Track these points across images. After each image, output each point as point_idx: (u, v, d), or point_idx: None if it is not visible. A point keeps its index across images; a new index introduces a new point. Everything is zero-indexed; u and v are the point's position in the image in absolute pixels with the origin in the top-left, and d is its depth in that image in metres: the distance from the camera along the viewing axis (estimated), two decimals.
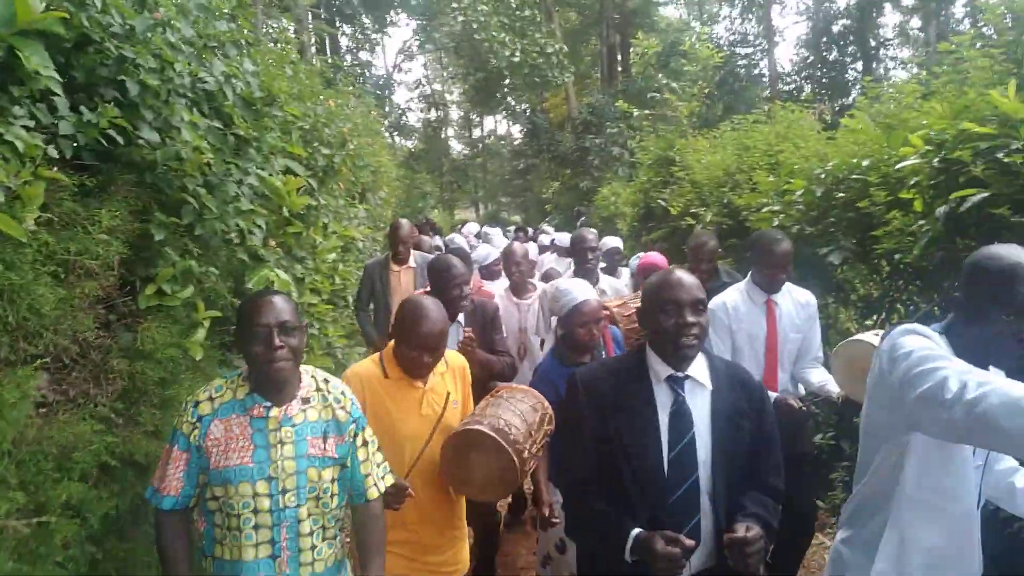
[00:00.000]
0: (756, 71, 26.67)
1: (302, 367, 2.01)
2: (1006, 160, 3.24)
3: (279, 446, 1.88)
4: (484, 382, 3.31)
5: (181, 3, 2.52)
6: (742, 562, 1.70)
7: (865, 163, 4.46)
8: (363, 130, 6.64)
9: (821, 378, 3.34)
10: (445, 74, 33.92)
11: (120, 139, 2.15)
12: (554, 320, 3.31)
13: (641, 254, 5.66)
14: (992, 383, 1.49)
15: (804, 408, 3.16)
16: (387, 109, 19.30)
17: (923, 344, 1.69)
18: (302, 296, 4.16)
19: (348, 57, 18.46)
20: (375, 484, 2.11)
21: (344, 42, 18.79)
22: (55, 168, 1.95)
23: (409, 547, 2.51)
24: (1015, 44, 4.21)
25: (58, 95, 1.86)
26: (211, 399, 1.91)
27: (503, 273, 4.74)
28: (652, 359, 1.94)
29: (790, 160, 6.11)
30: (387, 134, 12.27)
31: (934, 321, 1.86)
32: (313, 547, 1.94)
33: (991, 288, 1.67)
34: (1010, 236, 2.99)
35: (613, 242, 5.94)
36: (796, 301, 3.50)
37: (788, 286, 3.51)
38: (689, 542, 1.70)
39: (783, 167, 6.05)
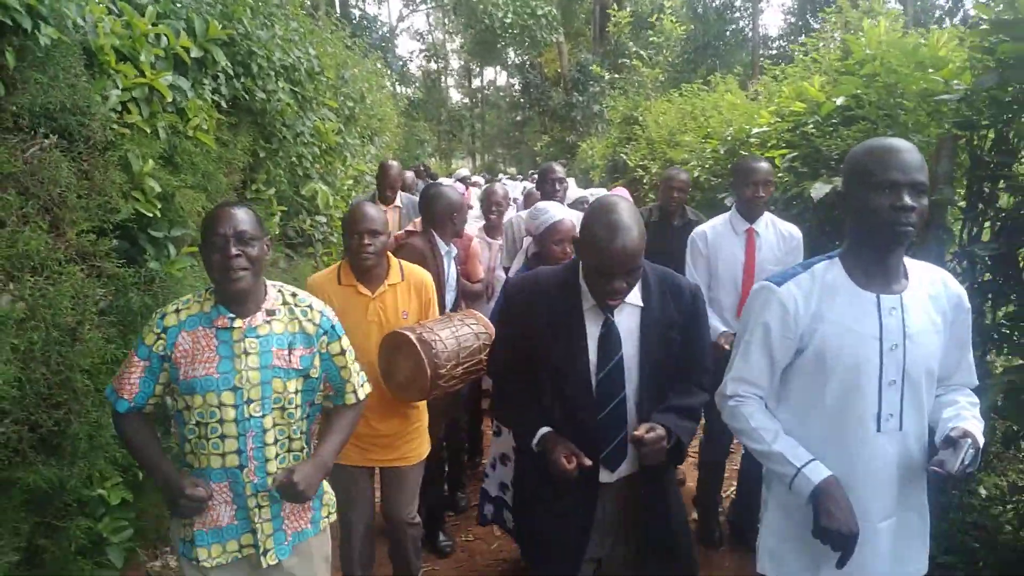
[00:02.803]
0: (743, 36, 27.87)
1: (270, 282, 2.05)
2: (805, 130, 4.93)
3: (243, 356, 1.91)
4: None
5: (274, 11, 4.17)
6: (645, 458, 1.83)
7: (755, 130, 6.11)
8: (373, 86, 8.25)
9: None
10: (447, 22, 34.77)
11: (247, 97, 3.83)
12: (526, 240, 3.52)
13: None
14: (743, 403, 1.85)
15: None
16: (389, 59, 20.60)
17: (749, 319, 1.86)
18: (328, 207, 5.83)
19: (356, 12, 19.66)
20: (354, 391, 2.18)
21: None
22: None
23: (371, 439, 2.71)
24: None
25: (230, 75, 3.54)
26: (178, 311, 1.95)
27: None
28: (584, 283, 1.93)
29: (711, 124, 7.75)
30: (390, 84, 13.70)
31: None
32: (278, 455, 1.98)
33: (850, 174, 1.73)
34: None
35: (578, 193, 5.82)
36: (779, 232, 3.54)
37: (773, 218, 3.59)
38: (586, 462, 1.82)
39: (702, 129, 7.73)
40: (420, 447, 2.87)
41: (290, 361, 1.97)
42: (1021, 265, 3.14)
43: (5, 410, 2.21)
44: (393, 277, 2.72)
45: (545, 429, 1.91)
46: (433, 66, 33.85)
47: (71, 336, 2.43)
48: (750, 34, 27.76)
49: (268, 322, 1.96)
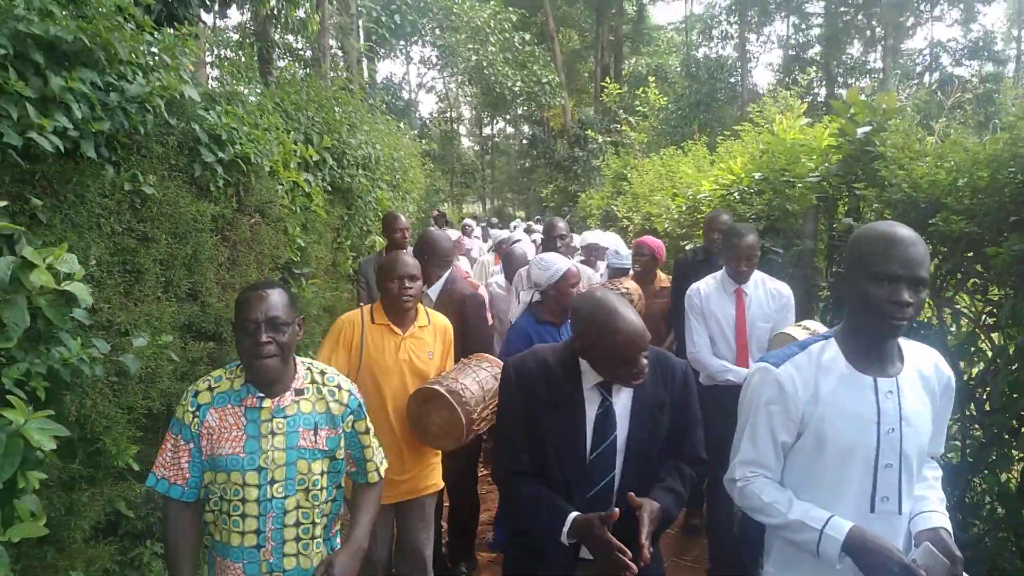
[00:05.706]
0: (733, 94, 29.93)
1: (300, 359, 2.05)
2: (729, 197, 6.80)
3: (270, 437, 1.91)
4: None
5: (355, 122, 6.17)
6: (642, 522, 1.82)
7: (700, 194, 7.99)
8: (407, 157, 10.31)
9: None
10: (461, 78, 37.22)
11: (340, 181, 5.77)
12: (524, 295, 3.70)
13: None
14: (751, 482, 1.83)
15: None
16: (412, 119, 22.86)
17: (751, 401, 1.85)
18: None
19: (381, 79, 21.95)
20: (376, 469, 2.19)
21: (379, 67, 22.25)
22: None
23: (395, 477, 2.80)
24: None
25: (332, 168, 5.48)
26: (210, 388, 1.96)
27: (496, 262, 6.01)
28: (584, 363, 1.98)
29: (677, 185, 9.61)
30: (410, 140, 15.84)
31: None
32: (298, 539, 1.96)
33: (852, 259, 1.70)
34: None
35: (593, 237, 6.75)
36: (768, 291, 3.63)
37: (763, 277, 3.71)
38: (613, 513, 1.81)
39: (670, 189, 9.62)
40: (437, 478, 3.11)
41: (315, 442, 1.99)
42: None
43: None
44: (421, 320, 2.97)
45: (574, 514, 1.90)
46: (449, 126, 36.06)
47: None
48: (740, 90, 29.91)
49: (296, 402, 1.99)
